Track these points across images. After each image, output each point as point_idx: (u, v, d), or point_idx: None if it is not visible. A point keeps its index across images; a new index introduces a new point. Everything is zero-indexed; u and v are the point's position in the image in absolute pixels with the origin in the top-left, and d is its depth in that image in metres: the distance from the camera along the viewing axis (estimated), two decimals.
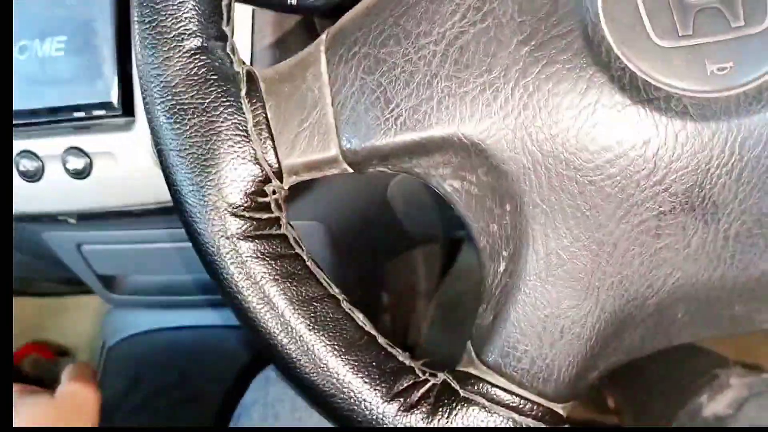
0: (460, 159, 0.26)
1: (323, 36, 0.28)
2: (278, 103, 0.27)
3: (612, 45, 0.24)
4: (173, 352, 0.68)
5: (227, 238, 0.26)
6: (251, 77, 0.27)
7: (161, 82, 0.27)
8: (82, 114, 0.47)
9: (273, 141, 0.27)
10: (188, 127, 0.26)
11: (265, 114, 0.27)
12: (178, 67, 0.26)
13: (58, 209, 0.50)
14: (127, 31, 0.46)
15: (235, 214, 0.27)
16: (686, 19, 0.24)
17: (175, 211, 0.28)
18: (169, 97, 0.26)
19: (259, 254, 0.27)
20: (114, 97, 0.46)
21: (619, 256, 0.25)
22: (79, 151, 0.47)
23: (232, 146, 0.27)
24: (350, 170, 0.28)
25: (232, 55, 0.27)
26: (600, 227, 0.25)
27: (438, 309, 0.93)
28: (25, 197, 0.49)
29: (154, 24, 0.26)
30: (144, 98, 0.27)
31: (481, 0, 0.26)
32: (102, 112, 0.47)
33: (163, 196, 0.49)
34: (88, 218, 0.51)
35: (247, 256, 0.26)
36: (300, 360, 0.26)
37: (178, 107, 0.26)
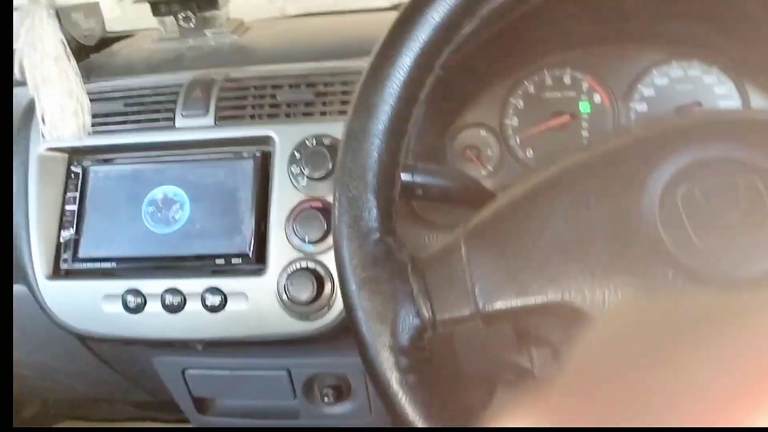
0: (562, 319, 0.37)
1: (461, 229, 0.40)
2: (433, 278, 0.39)
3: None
4: None
5: (398, 371, 0.37)
6: (413, 259, 0.39)
7: (354, 262, 0.38)
8: (222, 261, 0.59)
9: (430, 304, 0.38)
10: (374, 294, 0.38)
11: (425, 285, 0.38)
12: (367, 251, 0.38)
13: (191, 337, 0.60)
14: (263, 198, 0.59)
15: (403, 353, 0.37)
16: None
17: (359, 354, 0.39)
18: (360, 272, 0.38)
19: (418, 383, 0.37)
20: (250, 249, 0.58)
21: None
22: (216, 290, 0.58)
23: (404, 307, 0.38)
24: (481, 323, 0.39)
25: (399, 244, 0.39)
26: None
27: None
28: (164, 326, 0.59)
29: (350, 223, 0.39)
30: (340, 273, 0.39)
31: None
32: (239, 261, 0.58)
33: (279, 329, 0.59)
34: (214, 345, 0.61)
35: (411, 387, 0.37)
36: None
37: (367, 281, 0.38)
